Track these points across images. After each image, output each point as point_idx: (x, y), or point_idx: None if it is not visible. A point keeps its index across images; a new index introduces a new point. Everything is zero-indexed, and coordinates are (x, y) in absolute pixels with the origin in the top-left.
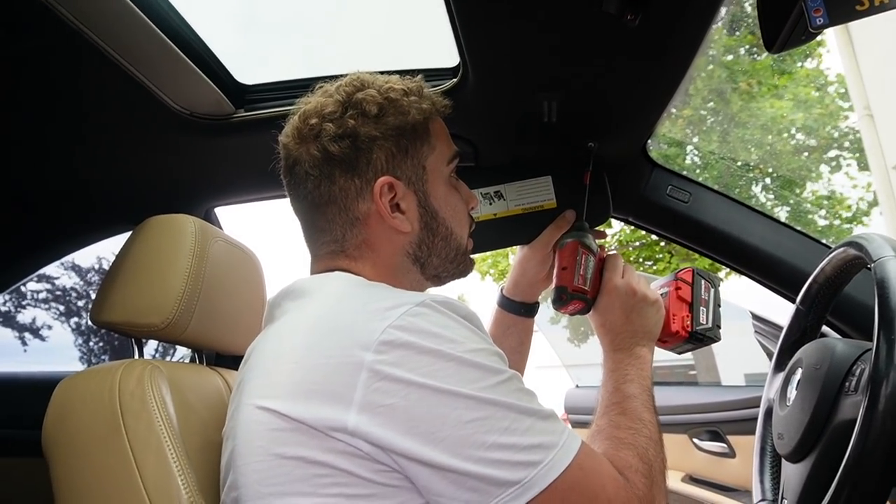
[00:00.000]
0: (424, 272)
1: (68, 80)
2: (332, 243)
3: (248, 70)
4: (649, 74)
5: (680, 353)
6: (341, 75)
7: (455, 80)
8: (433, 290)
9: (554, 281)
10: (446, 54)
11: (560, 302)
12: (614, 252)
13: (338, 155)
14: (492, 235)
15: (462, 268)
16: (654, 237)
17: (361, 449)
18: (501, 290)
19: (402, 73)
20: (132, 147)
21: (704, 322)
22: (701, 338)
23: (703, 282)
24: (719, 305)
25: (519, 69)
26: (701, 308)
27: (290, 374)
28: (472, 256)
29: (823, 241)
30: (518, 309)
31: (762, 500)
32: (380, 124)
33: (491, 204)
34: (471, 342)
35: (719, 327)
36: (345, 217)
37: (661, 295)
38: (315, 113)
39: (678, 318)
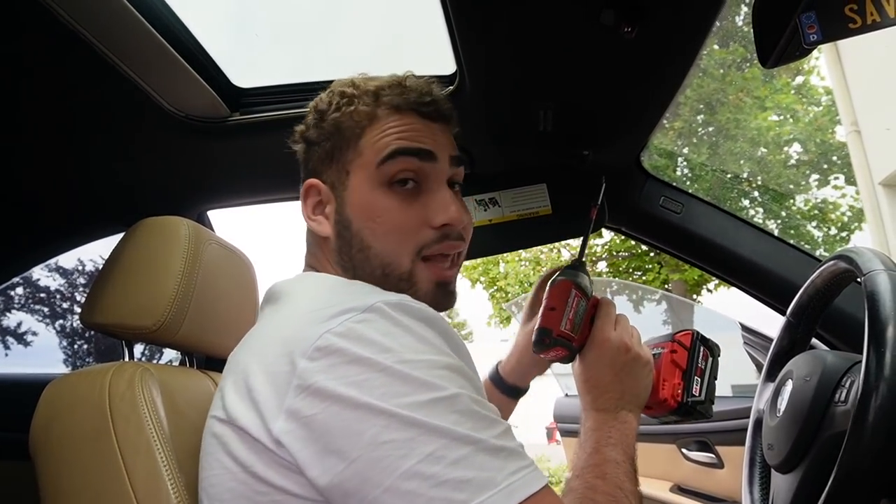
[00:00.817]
0: (367, 282)
1: (63, 80)
2: (307, 235)
3: (243, 73)
4: (645, 86)
5: (663, 422)
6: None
7: (451, 87)
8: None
9: (538, 321)
10: (443, 62)
11: (541, 345)
12: (608, 299)
13: (300, 158)
14: (486, 241)
15: (412, 294)
16: (643, 247)
17: (290, 461)
18: (497, 365)
19: None
20: (126, 148)
21: (697, 394)
22: (690, 411)
23: (701, 349)
24: (715, 378)
25: (516, 78)
26: (695, 378)
27: (236, 382)
28: (439, 290)
29: (815, 253)
30: (509, 391)
31: None
32: (319, 127)
33: (486, 210)
34: (411, 352)
35: (712, 402)
36: (304, 214)
37: (654, 355)
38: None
39: (668, 385)
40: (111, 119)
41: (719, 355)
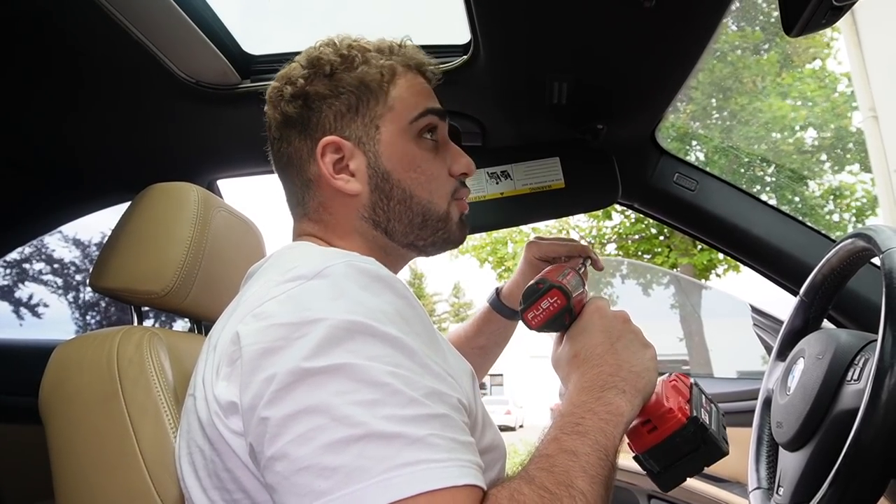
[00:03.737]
0: (393, 239)
1: (73, 44)
2: (297, 206)
3: (254, 40)
4: (662, 58)
5: (669, 459)
6: None
7: (465, 57)
8: (419, 260)
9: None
10: (457, 31)
11: (535, 294)
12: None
13: (293, 116)
14: (498, 214)
15: (444, 235)
16: (653, 231)
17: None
18: (497, 290)
19: None
20: (135, 114)
21: (708, 422)
22: (703, 432)
23: (702, 395)
24: (724, 426)
25: (531, 48)
26: (702, 409)
27: (206, 358)
28: (461, 223)
29: (831, 236)
30: (509, 313)
31: (757, 488)
32: (331, 82)
33: (497, 183)
34: (334, 316)
35: (726, 441)
36: (301, 179)
37: None
38: (283, 76)
39: (673, 399)
40: (119, 84)
41: (723, 413)
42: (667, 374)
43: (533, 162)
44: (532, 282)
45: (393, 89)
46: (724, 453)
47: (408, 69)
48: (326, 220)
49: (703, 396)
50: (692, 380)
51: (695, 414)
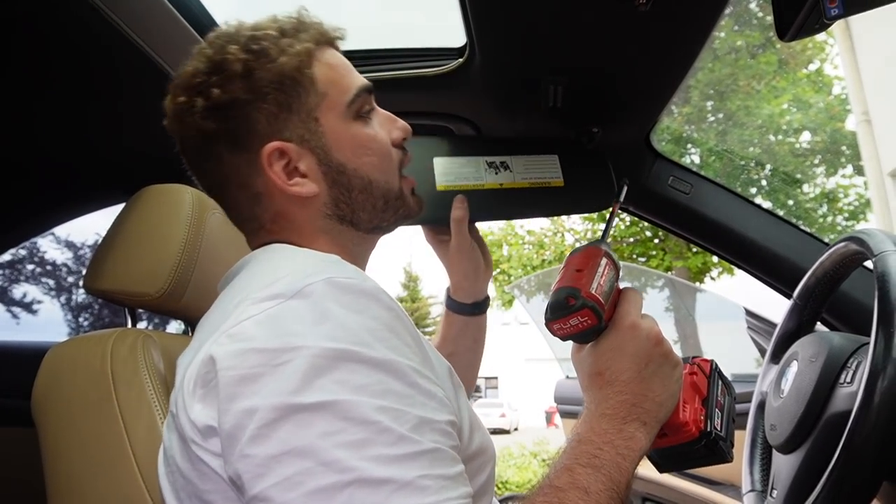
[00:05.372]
0: (359, 228)
1: (66, 44)
2: (249, 222)
3: None
4: (657, 62)
5: (673, 460)
6: (342, 51)
7: (461, 60)
8: (415, 263)
9: (556, 283)
10: (454, 34)
11: (565, 310)
12: (634, 288)
13: (214, 131)
14: (498, 206)
15: (404, 212)
16: (647, 233)
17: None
18: (448, 292)
19: (406, 52)
20: (129, 115)
21: (719, 429)
22: (712, 445)
23: (720, 382)
24: (734, 420)
25: (526, 51)
26: (716, 410)
27: (180, 375)
28: (414, 196)
29: (824, 239)
30: (470, 310)
31: (751, 490)
32: (250, 83)
33: (497, 174)
34: (318, 344)
35: (732, 445)
36: (246, 194)
37: None
38: (183, 86)
39: (690, 409)
40: (114, 84)
41: (735, 396)
42: (685, 361)
43: (532, 156)
44: (561, 289)
45: (316, 75)
46: (728, 461)
47: (319, 46)
48: (287, 228)
49: (721, 383)
50: (713, 363)
51: (708, 429)
